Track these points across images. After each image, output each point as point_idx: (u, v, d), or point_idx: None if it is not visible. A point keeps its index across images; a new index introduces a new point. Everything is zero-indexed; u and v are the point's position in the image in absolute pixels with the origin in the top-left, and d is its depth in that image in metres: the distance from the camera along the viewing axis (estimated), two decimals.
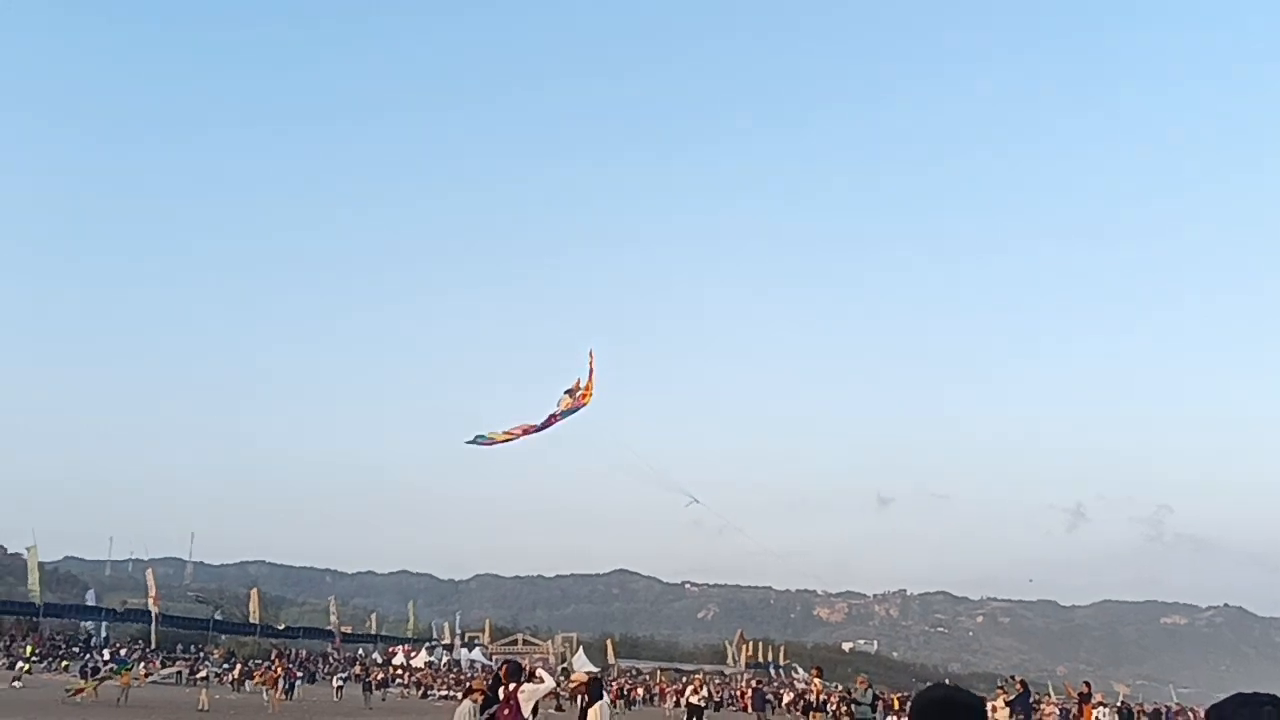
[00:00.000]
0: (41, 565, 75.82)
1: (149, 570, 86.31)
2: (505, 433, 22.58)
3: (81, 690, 36.25)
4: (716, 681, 76.41)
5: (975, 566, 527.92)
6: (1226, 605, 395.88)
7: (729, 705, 56.58)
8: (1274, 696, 2.64)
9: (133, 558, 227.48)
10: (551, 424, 22.61)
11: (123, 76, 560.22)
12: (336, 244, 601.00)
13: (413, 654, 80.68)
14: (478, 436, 22.80)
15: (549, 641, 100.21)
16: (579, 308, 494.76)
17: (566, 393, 22.79)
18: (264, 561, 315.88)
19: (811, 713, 27.50)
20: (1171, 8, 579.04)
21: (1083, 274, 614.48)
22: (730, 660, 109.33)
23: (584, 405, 22.41)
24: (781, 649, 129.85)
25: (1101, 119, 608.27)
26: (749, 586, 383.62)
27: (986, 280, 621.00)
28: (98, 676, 38.47)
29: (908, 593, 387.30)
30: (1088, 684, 32.64)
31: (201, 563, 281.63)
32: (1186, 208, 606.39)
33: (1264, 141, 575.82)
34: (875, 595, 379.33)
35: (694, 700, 34.82)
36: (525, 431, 22.67)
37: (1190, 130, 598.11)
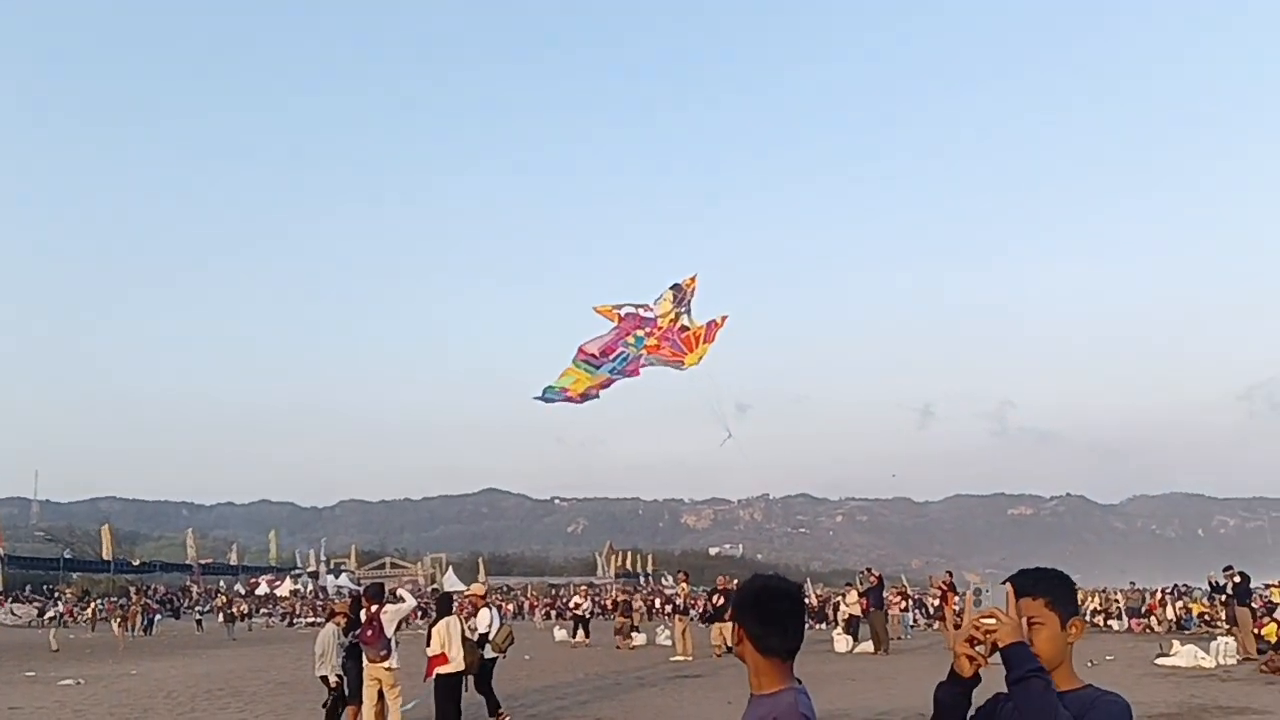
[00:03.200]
0: None
1: None
2: (578, 377, 18.68)
3: None
4: (583, 588, 77.45)
5: (834, 469, 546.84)
6: (1069, 495, 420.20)
7: (599, 615, 57.50)
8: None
9: None
10: (635, 374, 18.95)
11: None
12: (199, 169, 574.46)
13: (276, 583, 79.32)
14: (546, 390, 18.95)
15: (418, 564, 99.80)
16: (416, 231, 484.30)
17: (649, 321, 18.86)
18: (115, 497, 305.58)
19: (678, 616, 28.03)
20: None
21: (922, 176, 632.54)
22: (600, 572, 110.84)
23: (681, 365, 18.59)
24: (650, 558, 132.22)
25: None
26: (617, 499, 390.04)
27: (834, 187, 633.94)
28: None
29: (770, 497, 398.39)
30: (949, 573, 34.07)
31: (49, 501, 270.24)
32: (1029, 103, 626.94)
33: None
34: (740, 501, 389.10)
35: (579, 612, 36.29)
36: (604, 382, 18.89)
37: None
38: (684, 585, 31.66)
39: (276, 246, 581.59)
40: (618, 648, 30.78)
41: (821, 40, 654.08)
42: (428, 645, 12.40)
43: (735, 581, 36.23)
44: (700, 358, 18.69)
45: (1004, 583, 2.65)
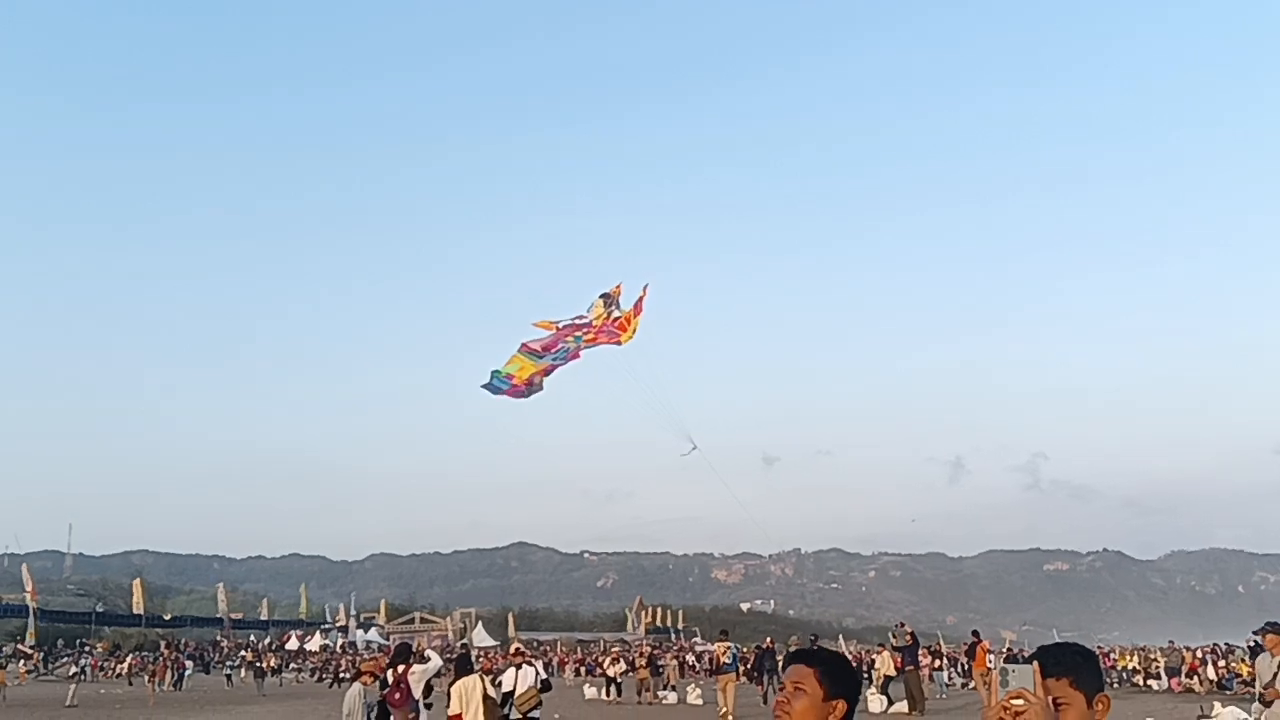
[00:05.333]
0: None
1: (24, 564, 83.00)
2: (522, 364, 19.92)
3: None
4: (616, 649, 76.83)
5: (866, 522, 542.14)
6: (1105, 550, 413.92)
7: (629, 672, 57.04)
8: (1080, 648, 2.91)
9: (8, 552, 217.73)
10: (575, 357, 20.32)
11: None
12: (220, 220, 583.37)
13: (306, 638, 79.17)
14: (493, 376, 20.13)
15: (447, 618, 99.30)
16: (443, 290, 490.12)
17: (584, 324, 20.42)
18: (148, 550, 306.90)
19: (719, 675, 27.75)
20: None
21: (951, 230, 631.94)
22: (630, 627, 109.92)
23: (619, 343, 20.02)
24: (680, 613, 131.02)
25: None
26: (647, 553, 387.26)
27: (864, 237, 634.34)
28: None
29: (802, 551, 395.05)
30: (975, 633, 33.55)
31: (82, 554, 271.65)
32: (1058, 158, 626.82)
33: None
34: (771, 555, 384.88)
35: (611, 672, 36.26)
36: (546, 369, 20.21)
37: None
38: (723, 644, 31.35)
39: (309, 304, 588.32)
40: (645, 703, 30.54)
41: (856, 108, 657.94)
42: (448, 705, 12.33)
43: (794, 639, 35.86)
44: (633, 332, 19.97)
45: (1028, 661, 2.65)
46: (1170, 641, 48.73)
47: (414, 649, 14.67)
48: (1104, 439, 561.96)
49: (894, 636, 31.33)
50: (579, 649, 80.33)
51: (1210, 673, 36.49)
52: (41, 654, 61.70)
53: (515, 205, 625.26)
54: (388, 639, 77.27)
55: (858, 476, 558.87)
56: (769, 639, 33.22)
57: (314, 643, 77.09)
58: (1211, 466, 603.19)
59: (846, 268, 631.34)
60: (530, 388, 20.37)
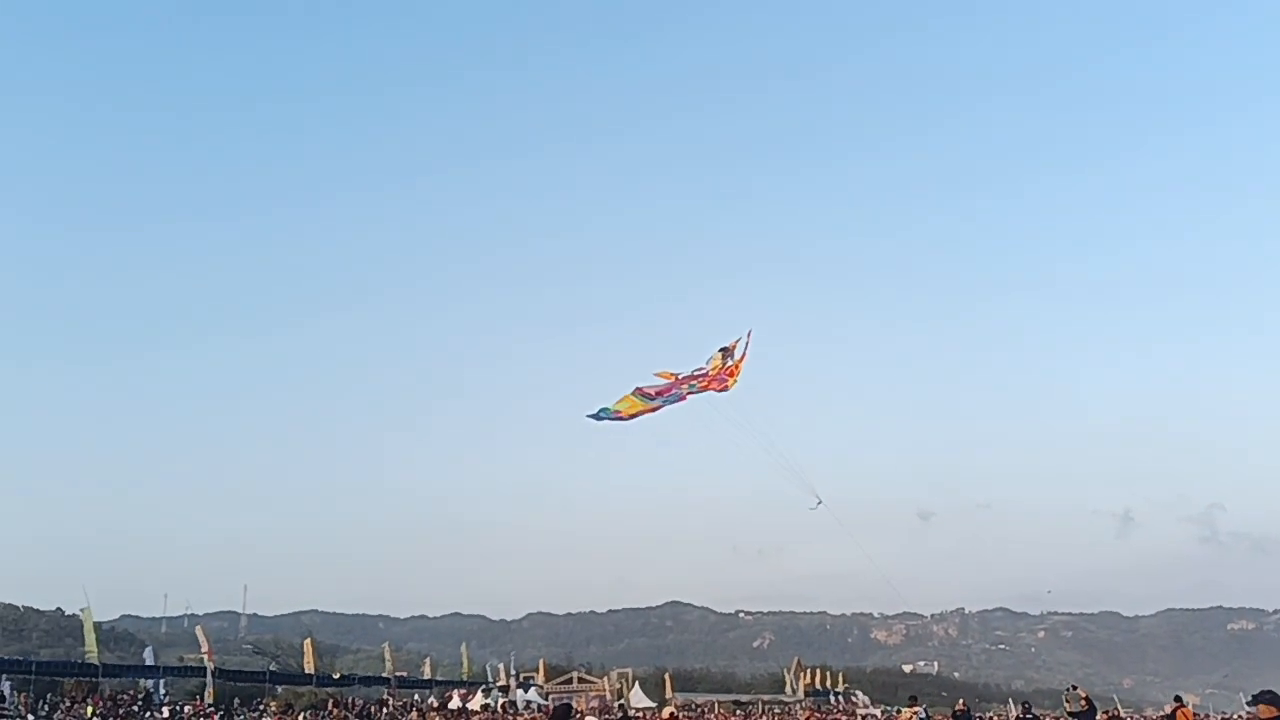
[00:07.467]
0: (98, 625, 76.31)
1: (200, 626, 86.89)
2: (631, 403, 21.91)
3: None
4: (776, 710, 75.70)
5: (1033, 581, 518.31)
6: None
7: None
8: None
9: (188, 613, 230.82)
10: (682, 400, 22.01)
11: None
12: (385, 284, 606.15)
13: (468, 697, 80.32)
14: (601, 410, 22.11)
15: (604, 679, 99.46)
16: (617, 342, 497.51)
17: (700, 375, 22.07)
18: (317, 611, 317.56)
19: None
20: None
21: (1116, 273, 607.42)
22: (789, 689, 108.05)
23: (726, 389, 21.53)
24: (840, 675, 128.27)
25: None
26: (804, 612, 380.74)
27: (1019, 280, 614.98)
28: None
29: (966, 611, 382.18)
30: (1178, 699, 31.93)
31: (256, 615, 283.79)
32: (1228, 198, 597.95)
33: None
34: (933, 615, 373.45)
35: None
36: (653, 409, 22.05)
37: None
38: (911, 710, 30.66)
39: (467, 366, 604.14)
40: None
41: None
42: None
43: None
44: (737, 378, 21.54)
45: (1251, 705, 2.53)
46: None
47: (573, 709, 14.75)
48: None
49: (1068, 701, 30.00)
50: (737, 710, 79.29)
51: None
52: (220, 713, 64.00)
53: (673, 264, 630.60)
54: (546, 698, 77.82)
55: (1019, 531, 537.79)
56: (960, 701, 32.12)
57: (475, 702, 78.14)
58: None
59: (1008, 317, 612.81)
60: (633, 418, 22.22)
